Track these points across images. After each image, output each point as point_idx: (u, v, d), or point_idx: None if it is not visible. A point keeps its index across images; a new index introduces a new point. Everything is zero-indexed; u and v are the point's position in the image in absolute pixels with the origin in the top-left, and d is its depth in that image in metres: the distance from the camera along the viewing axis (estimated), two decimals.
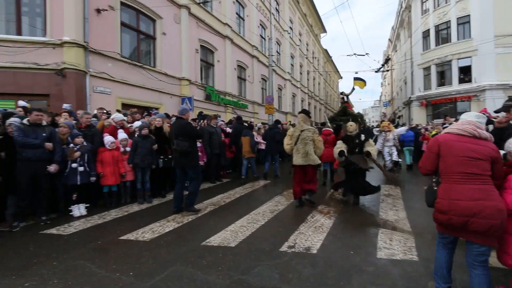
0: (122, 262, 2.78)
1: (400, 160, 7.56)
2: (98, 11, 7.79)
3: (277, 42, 20.89)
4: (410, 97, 23.94)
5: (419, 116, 22.20)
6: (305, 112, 4.82)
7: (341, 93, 14.75)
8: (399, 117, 29.33)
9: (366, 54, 18.25)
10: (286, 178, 7.59)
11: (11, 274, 2.56)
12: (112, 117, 5.31)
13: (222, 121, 9.29)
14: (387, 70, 27.74)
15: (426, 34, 22.12)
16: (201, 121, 7.35)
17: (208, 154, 6.58)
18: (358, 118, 13.14)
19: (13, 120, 4.00)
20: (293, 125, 5.46)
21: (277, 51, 20.86)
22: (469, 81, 19.33)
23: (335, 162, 6.05)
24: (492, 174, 1.86)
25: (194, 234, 3.52)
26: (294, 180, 4.77)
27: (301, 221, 4.04)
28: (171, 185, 5.67)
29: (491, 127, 4.13)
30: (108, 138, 4.64)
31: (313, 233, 3.60)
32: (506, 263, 1.89)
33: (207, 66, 13.02)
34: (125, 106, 8.29)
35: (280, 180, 7.37)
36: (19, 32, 7.03)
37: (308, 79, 29.68)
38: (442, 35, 21.03)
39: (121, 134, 4.91)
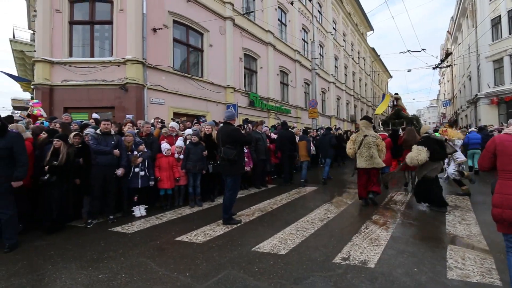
0: (179, 262, 2.96)
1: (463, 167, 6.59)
2: (154, 30, 8.61)
3: (320, 44, 20.47)
4: (476, 95, 21.10)
5: (489, 116, 19.43)
6: (367, 119, 5.20)
7: (395, 94, 13.83)
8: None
9: (423, 50, 16.65)
10: (335, 184, 7.42)
11: (88, 266, 2.92)
12: (170, 125, 5.76)
13: (266, 126, 9.39)
14: (448, 66, 24.90)
15: (496, 22, 19.38)
16: (246, 125, 7.54)
17: (254, 160, 6.68)
18: (414, 121, 12.27)
19: (89, 130, 4.63)
20: (356, 131, 5.58)
21: (320, 54, 20.43)
22: None
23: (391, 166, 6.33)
24: None
25: (244, 239, 3.58)
26: (359, 182, 5.25)
27: (354, 232, 3.82)
28: (219, 190, 5.90)
29: None
30: (165, 145, 5.04)
31: (369, 246, 3.36)
32: None
33: (250, 73, 13.34)
34: (177, 115, 8.95)
35: (329, 187, 7.15)
36: (92, 54, 8.15)
37: (353, 81, 28.35)
38: None
39: (178, 141, 5.28)
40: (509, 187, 2.02)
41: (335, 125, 17.24)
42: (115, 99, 7.84)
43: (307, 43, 18.62)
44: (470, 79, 24.13)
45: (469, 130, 9.37)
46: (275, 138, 7.73)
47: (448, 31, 36.47)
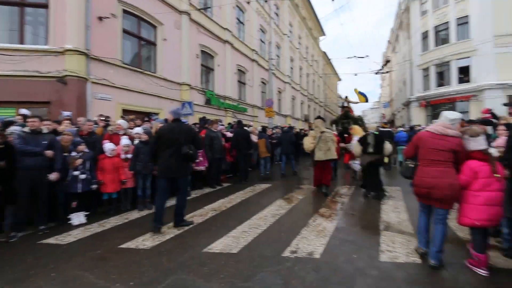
0: (122, 271, 2.72)
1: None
2: (100, 19, 7.81)
3: (277, 45, 20.92)
4: (409, 98, 23.84)
5: (418, 117, 22.09)
6: (321, 118, 6.14)
7: (345, 98, 15.30)
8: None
9: (366, 56, 18.44)
10: (288, 181, 7.61)
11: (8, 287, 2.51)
12: (118, 122, 5.27)
13: (222, 125, 9.29)
14: (387, 72, 27.61)
15: (425, 36, 22.09)
16: (196, 125, 7.39)
17: (210, 159, 6.53)
18: (359, 121, 13.75)
19: (13, 128, 3.98)
20: (311, 129, 6.51)
21: (277, 55, 20.88)
22: (468, 81, 19.24)
23: (345, 159, 7.67)
24: (456, 160, 2.64)
25: (195, 241, 3.46)
26: (315, 172, 6.09)
27: (303, 225, 3.99)
28: (171, 191, 5.61)
29: (490, 129, 4.06)
30: (108, 146, 4.59)
31: (316, 237, 3.55)
32: (462, 223, 2.63)
33: (207, 70, 13.02)
34: (126, 112, 8.28)
35: (282, 183, 7.35)
36: (21, 41, 7.05)
37: (307, 82, 29.67)
38: (441, 36, 20.99)
39: (125, 140, 4.87)
40: (425, 172, 2.71)
41: (289, 124, 17.87)
42: (52, 94, 6.92)
43: (265, 44, 18.87)
44: (404, 84, 27.17)
45: (398, 130, 11.02)
46: (231, 136, 7.67)
47: (389, 41, 40.48)
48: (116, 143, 4.80)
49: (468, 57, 19.12)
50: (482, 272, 2.56)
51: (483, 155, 2.57)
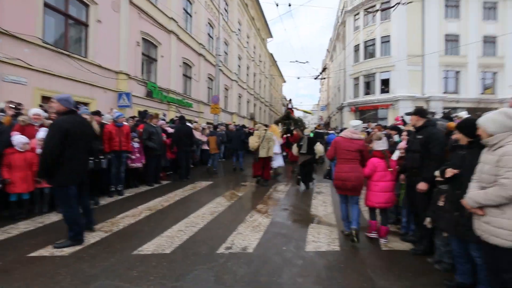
0: (30, 283, 2.37)
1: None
2: None
3: (225, 42, 20.72)
4: (342, 103, 26.56)
5: (349, 120, 24.74)
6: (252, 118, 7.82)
7: (289, 100, 16.28)
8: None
9: (306, 62, 19.88)
10: (229, 178, 7.73)
11: None
12: (32, 112, 4.47)
13: (164, 119, 8.86)
14: (324, 78, 30.10)
15: (356, 48, 24.78)
16: (134, 119, 6.97)
17: (147, 155, 6.14)
18: (299, 122, 14.91)
19: None
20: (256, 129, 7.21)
21: (224, 51, 20.69)
22: (388, 92, 22.38)
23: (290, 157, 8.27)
24: (361, 159, 3.50)
25: (125, 243, 3.22)
26: (257, 165, 6.82)
27: (240, 222, 4.09)
28: (102, 190, 5.11)
29: (396, 137, 4.83)
30: (18, 138, 3.88)
31: (251, 233, 3.68)
32: (367, 205, 3.51)
33: (149, 60, 12.13)
34: (47, 99, 7.15)
35: (224, 181, 7.40)
36: None
37: (254, 81, 30.25)
38: (369, 50, 23.85)
39: (42, 133, 4.18)
40: (340, 168, 3.51)
41: (234, 122, 18.01)
42: None
43: (212, 39, 18.49)
44: (339, 90, 30.13)
45: (330, 132, 12.58)
46: (172, 132, 7.35)
47: (327, 49, 44.15)
48: (30, 135, 4.09)
49: (389, 71, 22.24)
50: (373, 235, 3.53)
51: (381, 154, 3.49)
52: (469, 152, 2.35)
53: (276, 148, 7.46)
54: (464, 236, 2.30)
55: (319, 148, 6.61)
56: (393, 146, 4.16)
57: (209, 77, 17.96)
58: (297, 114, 16.89)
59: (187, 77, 15.29)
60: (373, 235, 3.53)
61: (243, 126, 11.57)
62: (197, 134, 9.16)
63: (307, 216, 4.51)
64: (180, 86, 14.17)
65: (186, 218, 4.21)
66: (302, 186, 6.52)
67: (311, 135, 7.05)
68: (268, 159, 6.86)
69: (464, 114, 6.96)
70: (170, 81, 13.19)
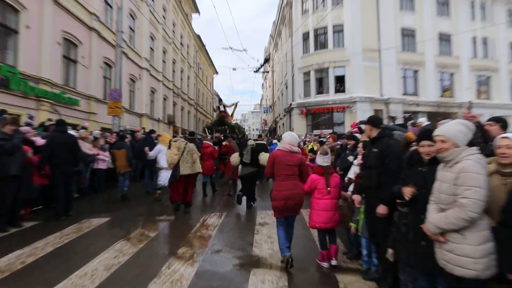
0: None
1: None
2: None
3: (131, 14, 19.81)
4: (291, 104, 28.09)
5: (300, 126, 26.36)
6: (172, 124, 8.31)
7: (219, 101, 16.86)
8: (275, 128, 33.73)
9: (244, 50, 20.33)
10: (138, 210, 7.35)
11: None
12: None
13: (30, 124, 7.92)
14: (267, 72, 31.49)
15: (306, 37, 26.81)
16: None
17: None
18: (236, 129, 15.06)
19: None
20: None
21: (130, 27, 19.76)
22: (344, 91, 24.75)
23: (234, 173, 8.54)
24: (300, 174, 4.14)
25: None
26: (176, 189, 7.01)
27: (151, 276, 3.83)
28: None
29: (350, 157, 5.28)
30: None
31: None
32: (311, 226, 4.20)
33: (5, 32, 10.61)
34: None
35: (127, 214, 7.04)
36: None
37: (174, 71, 29.66)
38: (320, 40, 26.08)
39: None
40: (281, 186, 4.04)
41: (144, 128, 17.14)
42: None
43: (112, 8, 17.43)
44: (286, 87, 31.87)
45: (272, 142, 13.69)
46: (43, 144, 6.60)
47: (270, 35, 46.53)
48: None
49: (344, 66, 24.68)
50: (325, 264, 4.09)
51: (322, 170, 4.14)
52: (430, 169, 2.63)
53: (162, 162, 7.94)
54: (433, 270, 2.49)
55: (264, 158, 7.08)
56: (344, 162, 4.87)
57: (105, 63, 16.82)
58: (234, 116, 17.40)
59: (70, 60, 13.94)
60: (324, 264, 4.11)
61: (151, 132, 11.70)
62: (86, 147, 8.75)
63: (248, 258, 4.47)
64: (58, 74, 12.77)
65: (65, 279, 3.71)
66: (243, 205, 7.34)
67: (253, 146, 7.70)
68: (192, 178, 7.26)
69: (424, 121, 8.10)
70: (41, 65, 11.77)
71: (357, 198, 3.79)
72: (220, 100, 17.80)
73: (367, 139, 3.79)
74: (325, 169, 4.11)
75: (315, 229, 4.27)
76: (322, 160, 4.13)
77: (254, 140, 9.01)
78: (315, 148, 9.16)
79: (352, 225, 4.12)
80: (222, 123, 16.07)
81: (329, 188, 4.04)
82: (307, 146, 10.39)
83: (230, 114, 19.55)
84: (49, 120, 9.69)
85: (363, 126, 4.71)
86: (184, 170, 6.89)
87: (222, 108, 18.26)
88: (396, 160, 3.22)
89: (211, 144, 10.15)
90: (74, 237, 5.42)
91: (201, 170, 7.49)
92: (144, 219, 6.65)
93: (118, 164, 8.76)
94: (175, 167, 6.92)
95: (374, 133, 3.50)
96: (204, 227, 6.00)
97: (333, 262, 4.06)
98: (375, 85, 24.33)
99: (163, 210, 7.46)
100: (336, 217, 4.10)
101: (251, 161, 7.34)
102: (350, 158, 5.27)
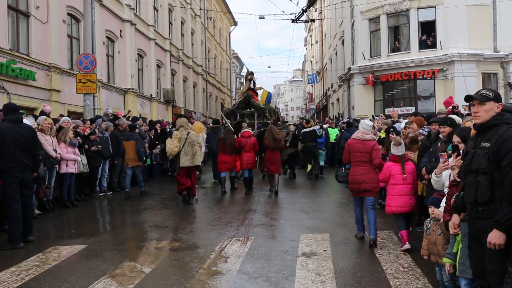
0: None
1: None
2: None
3: None
4: (350, 69, 27.53)
5: (364, 102, 25.86)
6: (185, 117, 9.64)
7: (250, 74, 19.11)
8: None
9: None
10: (124, 231, 7.48)
11: None
12: None
13: None
14: (312, 21, 30.77)
15: None
16: None
17: None
18: (266, 113, 17.54)
19: None
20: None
21: None
22: (434, 46, 23.86)
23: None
24: (371, 159, 6.62)
25: None
26: (181, 180, 9.86)
27: None
28: None
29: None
30: None
31: None
32: (388, 212, 6.49)
33: None
34: None
35: (108, 240, 7.18)
36: None
37: (171, 23, 29.98)
38: None
39: None
40: (356, 171, 6.61)
41: (129, 111, 17.46)
42: None
43: None
44: (343, 43, 31.27)
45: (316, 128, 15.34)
46: None
47: None
48: None
49: (434, 6, 23.77)
50: (406, 246, 5.97)
51: (397, 158, 6.28)
52: None
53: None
54: None
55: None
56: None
57: (70, 14, 17.35)
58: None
59: (19, 12, 14.28)
60: (405, 246, 6.05)
61: (135, 119, 14.18)
62: (49, 142, 8.93)
63: None
64: (3, 35, 13.14)
65: None
66: (280, 226, 8.26)
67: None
68: (193, 170, 10.12)
69: None
70: None
71: (454, 219, 3.62)
72: (251, 73, 18.41)
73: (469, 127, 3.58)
74: (400, 157, 6.33)
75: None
76: (397, 150, 6.32)
77: (296, 124, 13.04)
78: (382, 136, 9.85)
79: (447, 261, 4.00)
80: (248, 105, 16.75)
81: (404, 175, 6.20)
82: (377, 136, 10.35)
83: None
84: None
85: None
86: (184, 162, 9.50)
87: (252, 85, 19.26)
88: None
89: (252, 133, 13.07)
90: (37, 274, 5.51)
91: (199, 163, 10.29)
92: (136, 244, 6.75)
93: (126, 156, 11.29)
94: (175, 159, 9.76)
95: (487, 116, 3.25)
96: (221, 259, 6.04)
97: (407, 246, 6.05)
98: (485, 35, 23.31)
99: (161, 230, 7.61)
100: (412, 201, 6.24)
101: (291, 144, 13.34)
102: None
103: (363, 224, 6.73)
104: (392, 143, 6.32)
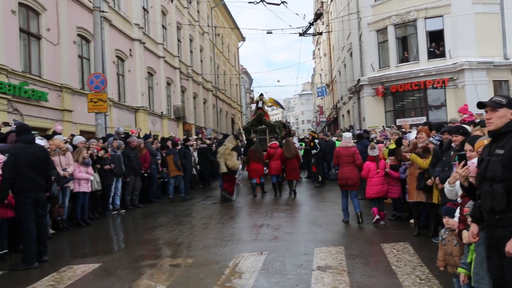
0: None
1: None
2: None
3: None
4: (359, 80, 27.50)
5: (375, 113, 25.74)
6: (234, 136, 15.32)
7: (261, 96, 21.23)
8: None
9: (283, 2, 20.03)
10: (135, 252, 7.41)
11: None
12: None
13: None
14: (319, 34, 30.86)
15: None
16: None
17: None
18: (276, 128, 19.58)
19: None
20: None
21: None
22: (443, 55, 23.78)
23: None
24: (354, 161, 9.62)
25: None
26: (224, 183, 13.48)
27: None
28: None
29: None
30: None
31: None
32: (367, 197, 9.30)
33: None
34: None
35: (122, 257, 7.09)
36: None
37: (179, 41, 30.22)
38: None
39: None
40: (343, 170, 9.47)
41: (139, 129, 17.56)
42: None
43: None
44: (351, 54, 31.26)
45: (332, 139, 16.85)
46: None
47: None
48: None
49: (441, 16, 23.75)
50: (376, 217, 8.73)
51: (373, 158, 9.10)
52: None
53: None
54: None
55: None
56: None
57: (81, 35, 17.52)
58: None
59: (30, 35, 14.50)
60: (377, 218, 8.66)
61: (146, 137, 14.99)
62: (62, 162, 8.95)
63: None
64: (15, 56, 13.33)
65: None
66: (295, 238, 8.48)
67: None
68: (230, 173, 13.18)
69: None
70: None
71: (473, 228, 3.52)
72: (262, 95, 20.54)
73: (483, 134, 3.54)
74: (375, 157, 8.99)
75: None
76: (373, 152, 9.06)
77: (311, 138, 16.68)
78: (392, 147, 10.05)
79: (462, 271, 3.95)
80: (260, 122, 18.92)
81: (378, 170, 8.79)
82: (385, 147, 10.96)
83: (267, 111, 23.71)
84: (5, 124, 10.00)
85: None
86: (222, 169, 13.01)
87: (260, 104, 21.00)
88: None
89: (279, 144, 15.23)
90: None
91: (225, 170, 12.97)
92: (150, 262, 6.74)
93: (168, 168, 14.20)
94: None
95: (498, 122, 3.22)
96: (235, 275, 6.06)
97: (382, 222, 8.73)
98: (494, 43, 23.22)
99: (175, 247, 7.59)
100: (384, 188, 8.76)
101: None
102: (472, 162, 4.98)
103: (347, 211, 9.12)
104: (369, 148, 9.30)
